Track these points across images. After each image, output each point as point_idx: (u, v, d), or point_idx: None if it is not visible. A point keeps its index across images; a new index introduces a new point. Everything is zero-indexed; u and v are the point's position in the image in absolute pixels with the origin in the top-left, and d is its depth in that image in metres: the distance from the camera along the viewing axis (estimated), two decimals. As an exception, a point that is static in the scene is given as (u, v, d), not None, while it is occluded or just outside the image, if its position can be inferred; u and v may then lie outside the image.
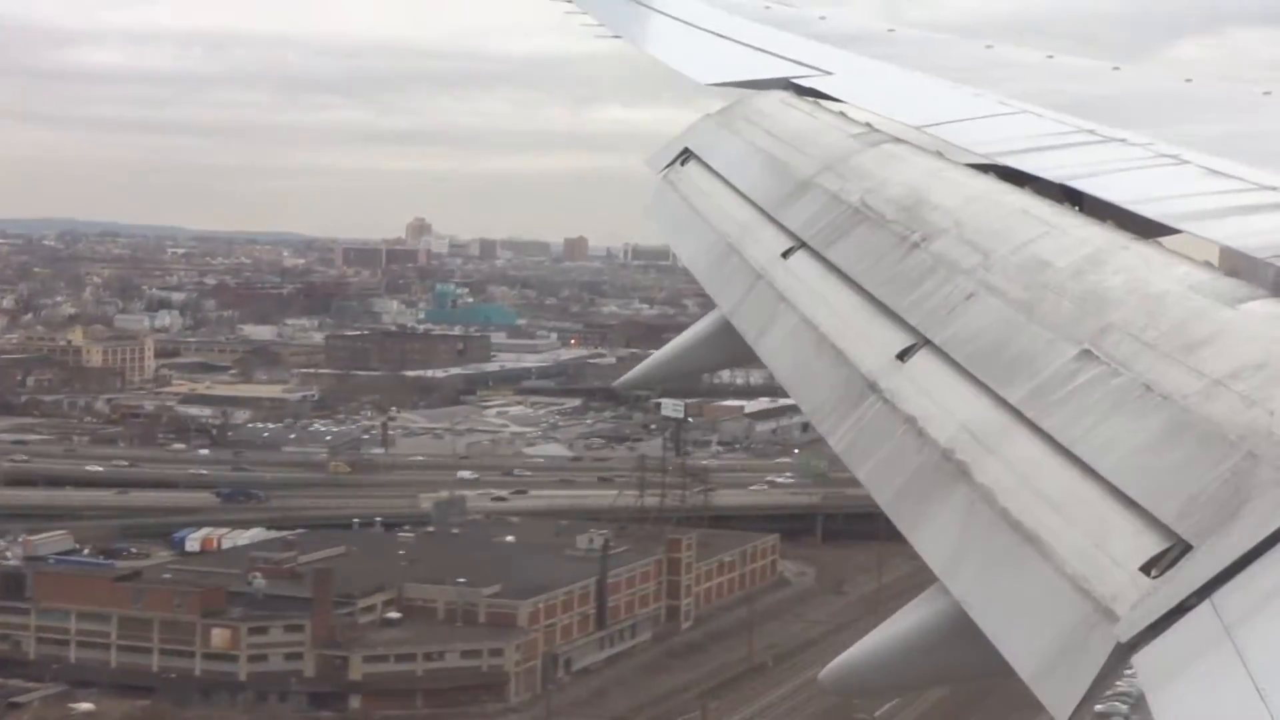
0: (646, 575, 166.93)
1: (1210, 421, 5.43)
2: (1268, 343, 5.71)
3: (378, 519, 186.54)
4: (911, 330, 7.64)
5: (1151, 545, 5.16)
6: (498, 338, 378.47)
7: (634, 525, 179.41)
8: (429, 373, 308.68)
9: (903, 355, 7.49)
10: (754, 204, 11.09)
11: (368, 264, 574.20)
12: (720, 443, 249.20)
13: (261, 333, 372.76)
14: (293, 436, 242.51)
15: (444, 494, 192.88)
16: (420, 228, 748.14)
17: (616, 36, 20.17)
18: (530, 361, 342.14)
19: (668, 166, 13.47)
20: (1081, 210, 8.29)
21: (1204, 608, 4.79)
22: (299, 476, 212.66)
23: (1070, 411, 6.07)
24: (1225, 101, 11.73)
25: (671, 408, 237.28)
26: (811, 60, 14.76)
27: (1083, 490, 5.65)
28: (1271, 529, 4.82)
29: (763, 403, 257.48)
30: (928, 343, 7.43)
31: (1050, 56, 14.67)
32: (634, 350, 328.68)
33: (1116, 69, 13.60)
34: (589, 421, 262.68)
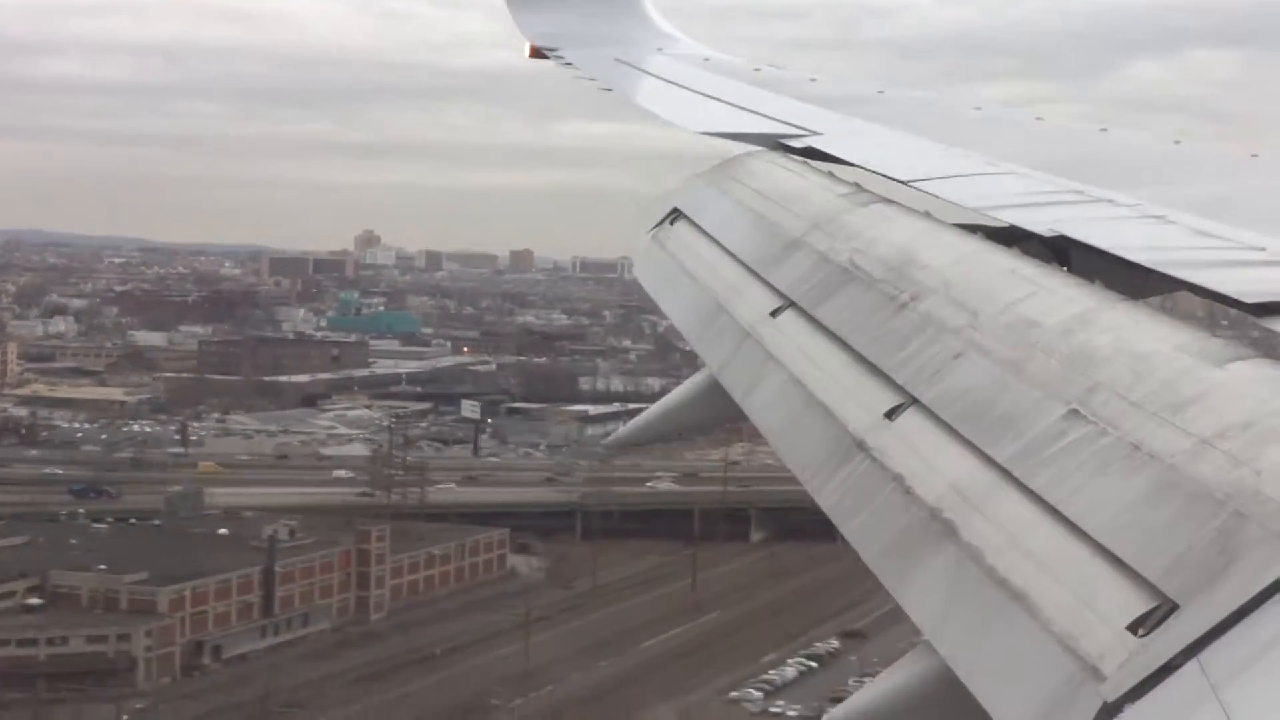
0: (329, 565, 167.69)
1: (1197, 481, 5.43)
2: (1254, 402, 5.72)
3: (81, 511, 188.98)
4: (899, 389, 7.64)
5: (1139, 604, 5.15)
6: (390, 345, 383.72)
7: (354, 516, 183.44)
8: (293, 378, 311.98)
9: (891, 414, 7.49)
10: (743, 263, 11.11)
11: (297, 274, 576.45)
12: (549, 444, 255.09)
13: (152, 339, 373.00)
14: (104, 437, 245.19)
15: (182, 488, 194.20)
16: (368, 239, 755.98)
17: (608, 89, 20.24)
18: (410, 368, 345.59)
19: (656, 226, 13.49)
20: (1070, 271, 8.31)
21: (1191, 667, 4.78)
22: (151, 475, 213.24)
23: (1058, 471, 6.07)
24: (1213, 163, 11.79)
25: (469, 408, 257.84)
26: (801, 121, 14.81)
27: (1070, 549, 5.65)
28: (1259, 588, 4.81)
29: (615, 407, 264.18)
30: (915, 401, 7.43)
31: (1039, 118, 14.74)
32: (520, 358, 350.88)
33: (1104, 130, 13.66)
34: (424, 425, 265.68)
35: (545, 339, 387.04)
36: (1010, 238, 9.14)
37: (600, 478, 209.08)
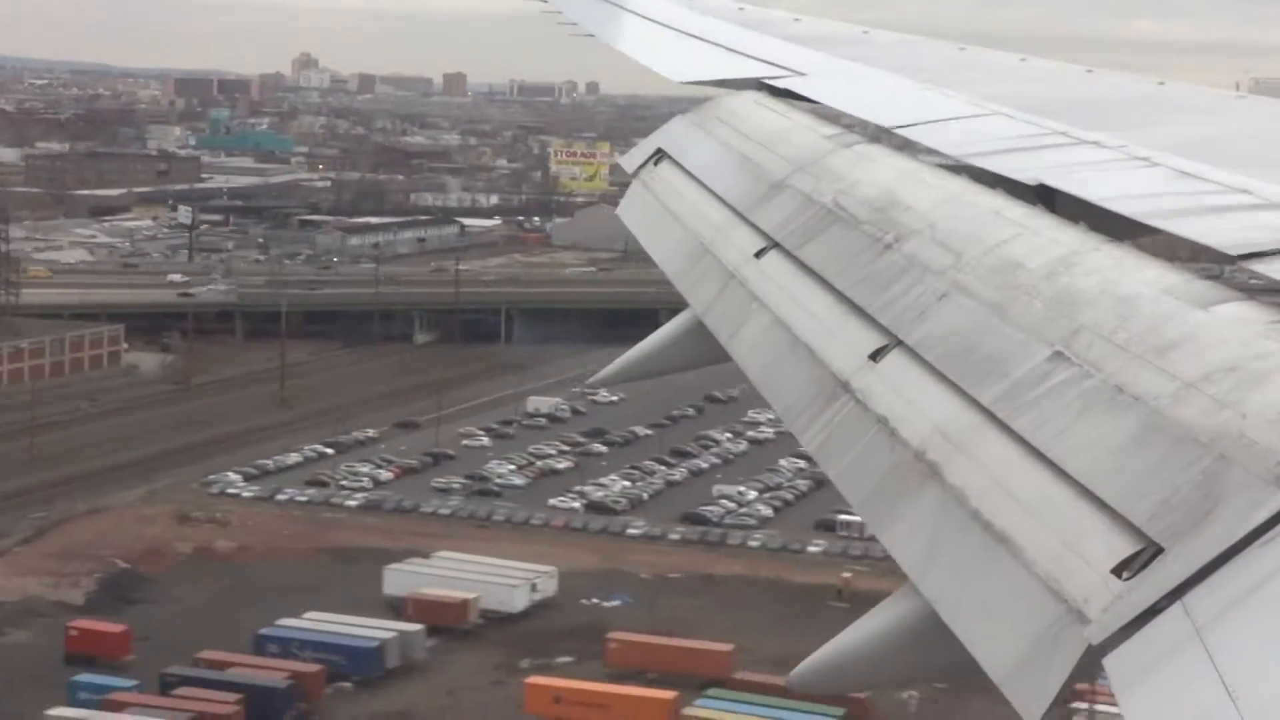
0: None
1: (1182, 424, 5.42)
2: (1239, 345, 5.71)
3: None
4: (884, 331, 7.63)
5: (1123, 547, 5.16)
6: (243, 162, 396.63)
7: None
8: (110, 191, 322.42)
9: (875, 355, 7.49)
10: (727, 204, 11.08)
11: (200, 94, 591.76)
12: (310, 255, 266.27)
13: (6, 155, 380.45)
14: None
15: None
16: (305, 62, 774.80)
17: (590, 35, 20.15)
18: (243, 182, 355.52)
19: (641, 166, 13.45)
20: (1054, 212, 8.29)
21: (1175, 610, 4.79)
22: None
23: (1042, 413, 6.06)
24: (1197, 105, 11.76)
25: (183, 214, 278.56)
26: (785, 61, 14.75)
27: (1054, 492, 5.65)
28: (1243, 532, 4.81)
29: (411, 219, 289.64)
30: (900, 343, 7.42)
31: (1023, 59, 14.68)
32: (363, 174, 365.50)
33: (1089, 72, 13.62)
34: (198, 232, 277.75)
35: (402, 156, 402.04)
36: (995, 178, 9.11)
37: (278, 279, 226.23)
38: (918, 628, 6.11)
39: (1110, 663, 4.85)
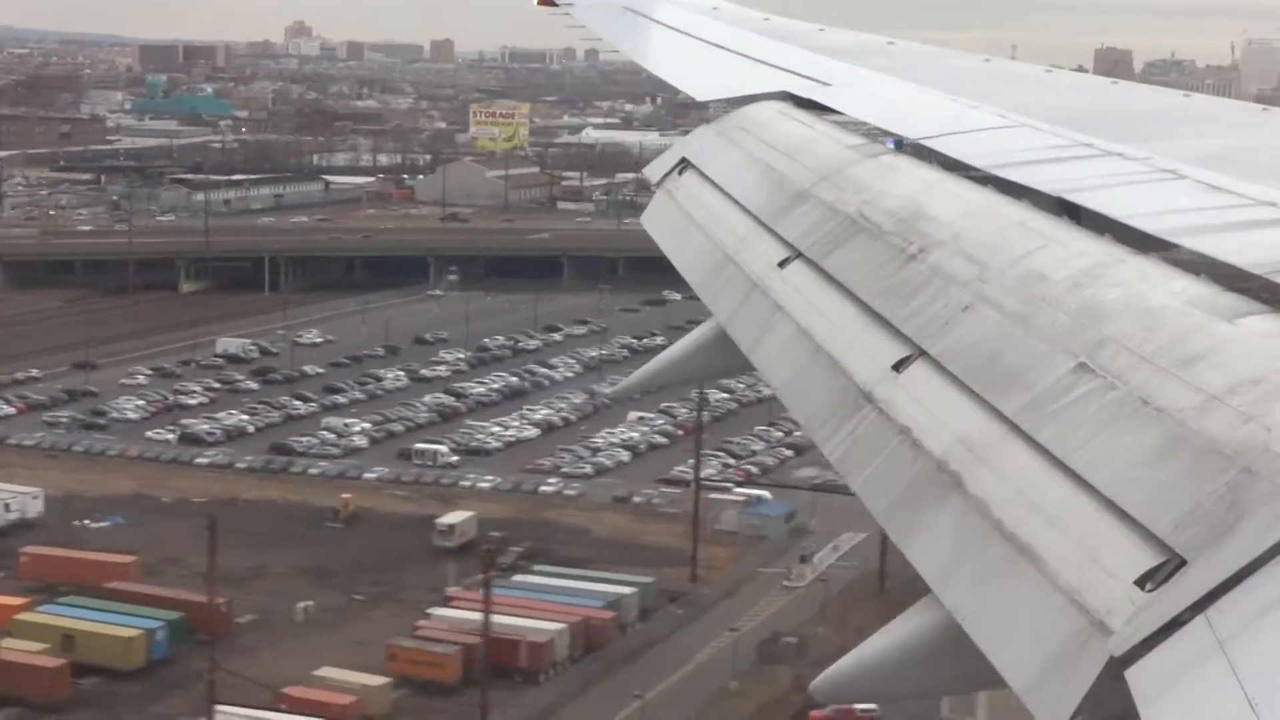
0: None
1: (1206, 436, 5.41)
2: (1265, 358, 5.70)
3: None
4: (907, 341, 7.62)
5: (1146, 559, 5.15)
6: (166, 125, 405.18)
7: None
8: (3, 152, 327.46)
9: (898, 366, 7.48)
10: (751, 214, 11.07)
11: (165, 60, 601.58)
12: (161, 209, 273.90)
13: None
14: None
15: None
16: (298, 30, 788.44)
17: (615, 51, 20.18)
18: (149, 144, 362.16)
19: (665, 176, 13.45)
20: (1079, 224, 8.27)
21: (1198, 622, 4.77)
22: None
23: (1066, 424, 6.05)
24: (1222, 117, 11.73)
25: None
26: (809, 71, 14.75)
27: (1078, 503, 5.63)
28: (1267, 544, 4.80)
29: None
30: (923, 354, 7.41)
31: (1049, 70, 14.67)
32: (284, 137, 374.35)
33: (1114, 83, 13.60)
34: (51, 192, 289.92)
35: (325, 119, 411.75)
36: (1020, 190, 9.10)
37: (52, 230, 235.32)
38: (940, 638, 6.09)
39: (1133, 674, 4.84)
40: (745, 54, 16.52)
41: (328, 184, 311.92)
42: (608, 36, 20.61)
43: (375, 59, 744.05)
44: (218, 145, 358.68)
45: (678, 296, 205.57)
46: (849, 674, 6.58)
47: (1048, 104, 11.96)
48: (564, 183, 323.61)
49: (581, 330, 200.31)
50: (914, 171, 10.19)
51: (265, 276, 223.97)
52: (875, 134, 11.82)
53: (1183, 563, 5.03)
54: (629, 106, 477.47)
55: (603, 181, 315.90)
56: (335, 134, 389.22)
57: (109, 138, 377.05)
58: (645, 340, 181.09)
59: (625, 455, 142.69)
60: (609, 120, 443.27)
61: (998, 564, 5.75)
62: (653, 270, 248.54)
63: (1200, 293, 6.49)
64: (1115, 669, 4.93)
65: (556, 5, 22.91)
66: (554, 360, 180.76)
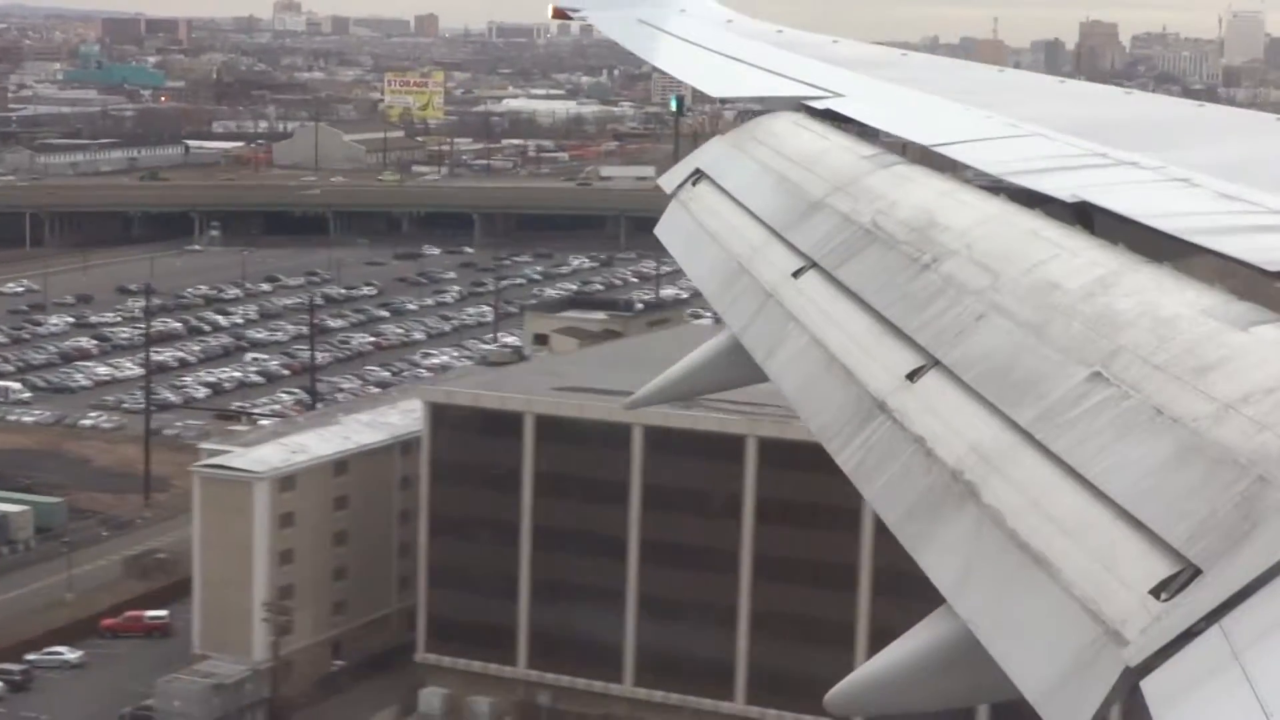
0: None
1: (1221, 445, 5.40)
2: (1279, 367, 5.68)
3: None
4: (921, 351, 7.62)
5: (1161, 569, 5.13)
6: (86, 94, 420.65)
7: None
8: None
9: (912, 375, 7.47)
10: (765, 224, 11.07)
11: (127, 34, 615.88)
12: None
13: None
14: None
15: None
16: (286, 5, 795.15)
17: (631, 55, 20.19)
18: (44, 110, 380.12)
19: (679, 186, 13.45)
20: (1093, 233, 8.26)
21: (1214, 632, 4.76)
22: None
23: (1080, 434, 6.04)
24: (1237, 127, 11.72)
25: None
26: (823, 82, 14.74)
27: (1092, 513, 5.62)
28: (1282, 553, 4.79)
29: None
30: (937, 363, 7.40)
31: (1062, 80, 14.66)
32: (198, 105, 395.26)
33: (1128, 93, 13.59)
34: None
35: (244, 87, 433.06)
36: (1033, 199, 9.09)
37: None
38: (954, 649, 6.08)
39: (1148, 685, 4.83)
40: (760, 65, 16.52)
41: (188, 148, 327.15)
42: (623, 41, 20.62)
43: (360, 34, 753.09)
44: (123, 113, 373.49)
45: (436, 250, 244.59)
46: (863, 685, 6.57)
47: (1060, 113, 11.95)
48: (433, 148, 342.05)
49: (299, 281, 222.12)
50: (927, 181, 10.18)
51: (26, 231, 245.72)
52: (890, 143, 11.81)
53: (1198, 572, 5.02)
54: (584, 79, 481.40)
55: (479, 146, 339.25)
56: (253, 103, 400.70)
57: (11, 105, 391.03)
58: (321, 288, 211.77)
59: (204, 392, 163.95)
60: (553, 92, 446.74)
61: (1012, 574, 5.74)
62: (440, 226, 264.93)
63: (1213, 302, 6.47)
64: (1131, 679, 4.92)
65: (570, 18, 22.93)
66: (233, 310, 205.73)
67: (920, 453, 6.85)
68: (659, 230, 13.32)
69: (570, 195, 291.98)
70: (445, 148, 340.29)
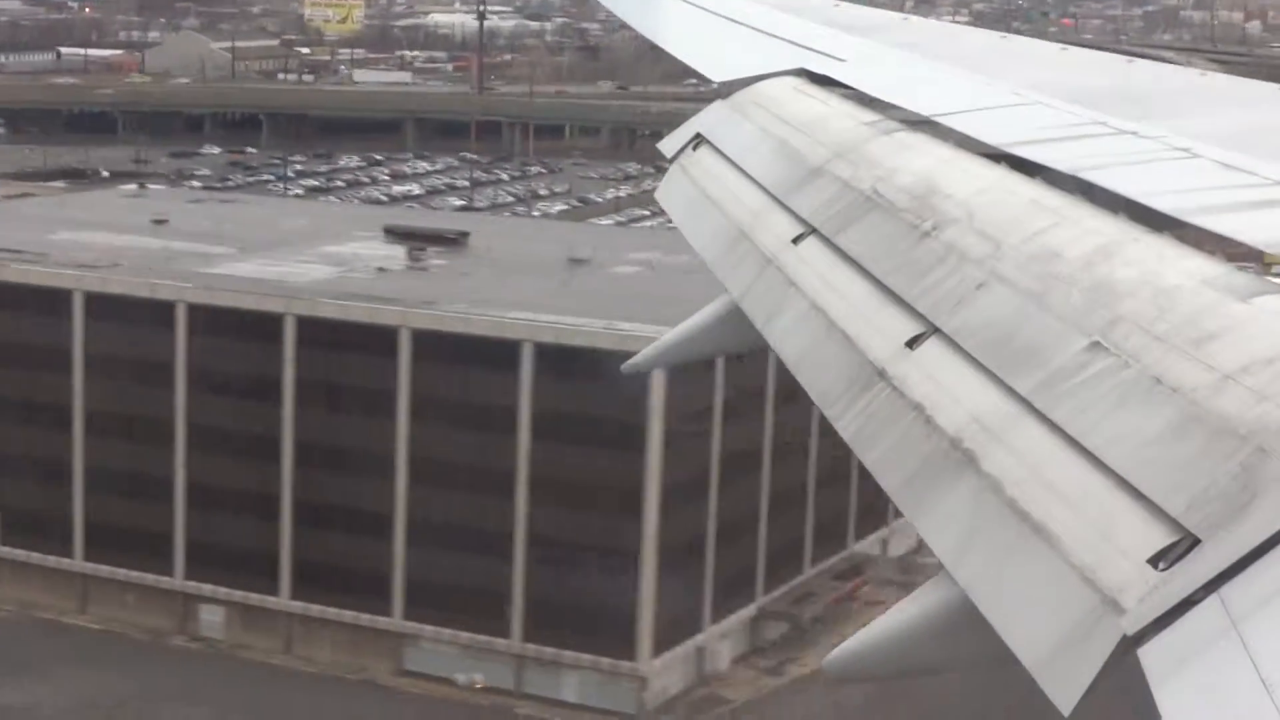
0: None
1: (1220, 415, 5.42)
2: (1279, 338, 5.70)
3: None
4: (921, 318, 7.62)
5: (1160, 538, 5.15)
6: (10, 4, 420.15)
7: None
8: None
9: (912, 343, 7.48)
10: (765, 190, 11.06)
11: None
12: None
13: None
14: None
15: None
16: None
17: (624, 26, 20.14)
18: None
19: (680, 151, 13.43)
20: (1093, 202, 8.26)
21: (1212, 601, 4.78)
22: None
23: (1080, 403, 6.05)
24: (1240, 96, 11.70)
25: None
26: (824, 47, 14.71)
27: (1091, 482, 5.64)
28: (1280, 524, 4.81)
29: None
30: (937, 331, 7.41)
31: (1064, 48, 14.64)
32: (118, 15, 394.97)
33: (1130, 61, 13.57)
34: None
35: (160, 7, 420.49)
36: (1034, 168, 9.09)
37: None
38: (952, 615, 6.11)
39: (1145, 653, 4.85)
40: (759, 28, 16.48)
41: (59, 54, 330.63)
42: (622, 14, 20.56)
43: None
44: (23, 23, 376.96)
45: (216, 150, 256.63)
46: (861, 650, 6.60)
47: (1063, 81, 11.93)
48: (310, 57, 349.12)
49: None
50: (928, 149, 10.18)
51: None
52: (891, 110, 11.79)
53: (1196, 542, 5.04)
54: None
55: (363, 57, 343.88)
56: (176, 14, 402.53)
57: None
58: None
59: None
60: (502, 9, 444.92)
61: (1011, 542, 5.77)
62: (240, 128, 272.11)
63: (1214, 272, 6.48)
64: (1128, 647, 4.95)
65: None
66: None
67: (920, 420, 6.87)
68: (659, 195, 13.31)
69: (346, 98, 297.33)
70: (326, 59, 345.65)
